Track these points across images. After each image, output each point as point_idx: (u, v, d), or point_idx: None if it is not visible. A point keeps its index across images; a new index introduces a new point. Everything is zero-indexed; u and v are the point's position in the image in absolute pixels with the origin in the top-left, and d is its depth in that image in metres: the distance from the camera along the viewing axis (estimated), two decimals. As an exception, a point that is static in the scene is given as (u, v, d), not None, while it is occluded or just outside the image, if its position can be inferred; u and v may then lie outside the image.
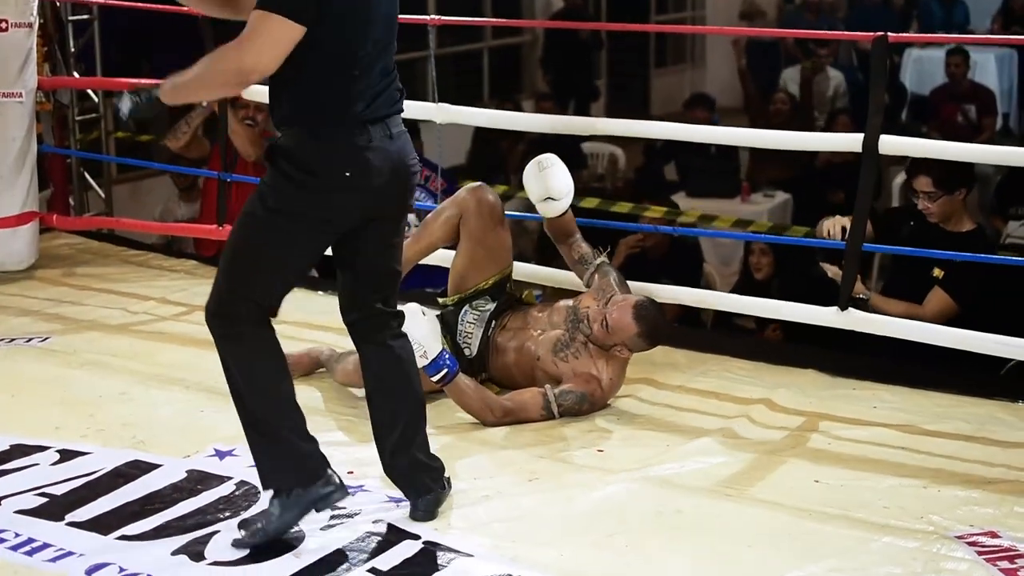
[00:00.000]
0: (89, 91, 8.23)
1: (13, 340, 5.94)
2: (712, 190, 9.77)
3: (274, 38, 3.70)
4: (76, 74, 7.97)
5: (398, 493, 4.30)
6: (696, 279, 7.72)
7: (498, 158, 11.16)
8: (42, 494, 4.39)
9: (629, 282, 5.42)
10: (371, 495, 4.32)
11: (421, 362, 4.58)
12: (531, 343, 5.16)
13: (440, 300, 5.39)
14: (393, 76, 3.97)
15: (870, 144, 5.05)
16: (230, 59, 3.73)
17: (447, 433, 4.85)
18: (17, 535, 4.10)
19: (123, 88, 7.74)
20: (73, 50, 8.00)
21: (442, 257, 5.58)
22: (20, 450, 4.74)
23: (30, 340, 5.94)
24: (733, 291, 7.22)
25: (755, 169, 10.29)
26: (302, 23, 3.70)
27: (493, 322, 5.25)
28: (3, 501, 4.33)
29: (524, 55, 15.66)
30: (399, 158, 3.94)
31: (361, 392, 5.08)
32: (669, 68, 17.14)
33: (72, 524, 4.17)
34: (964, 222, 5.59)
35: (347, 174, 3.84)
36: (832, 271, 5.30)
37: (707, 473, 4.50)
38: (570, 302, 5.24)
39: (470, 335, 5.22)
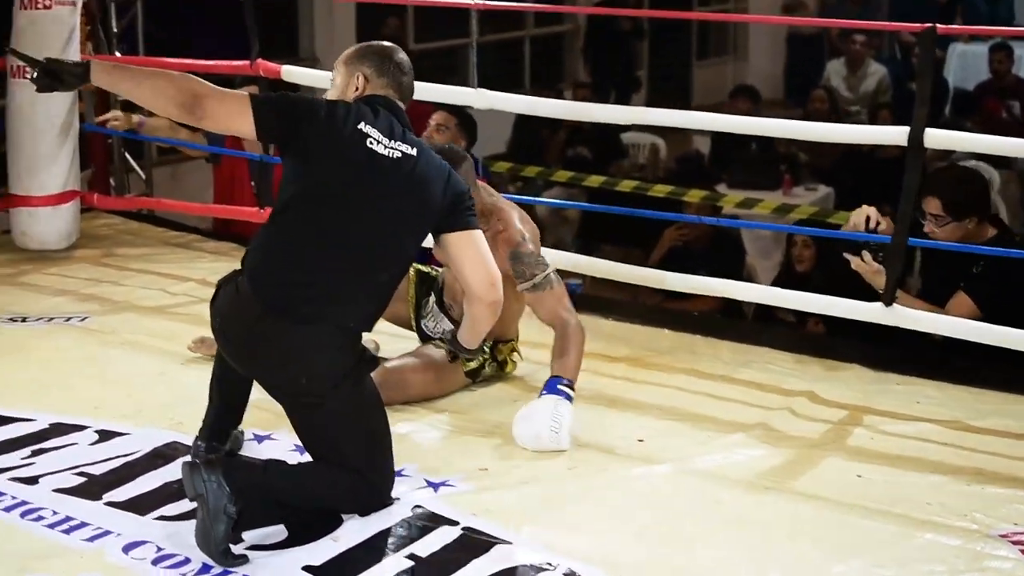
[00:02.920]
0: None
1: (52, 319, 5.95)
2: (753, 182, 9.70)
3: None
4: (118, 53, 7.97)
5: (436, 478, 4.29)
6: (738, 271, 7.67)
7: (538, 146, 11.12)
8: (80, 473, 4.38)
9: (668, 273, 5.45)
10: (410, 480, 4.29)
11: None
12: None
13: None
14: None
15: (915, 137, 4.99)
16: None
17: (487, 422, 4.83)
18: (55, 513, 4.09)
19: (168, 68, 7.80)
20: (116, 30, 8.00)
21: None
22: (59, 429, 4.73)
23: (69, 319, 5.94)
24: (774, 284, 7.17)
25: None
26: None
27: (443, 304, 5.20)
28: (41, 479, 4.32)
29: (566, 44, 15.60)
30: None
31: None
32: (711, 60, 17.04)
33: (110, 504, 4.16)
34: (986, 231, 5.41)
35: None
36: (855, 262, 5.19)
37: (748, 465, 4.46)
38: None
39: (436, 327, 5.16)
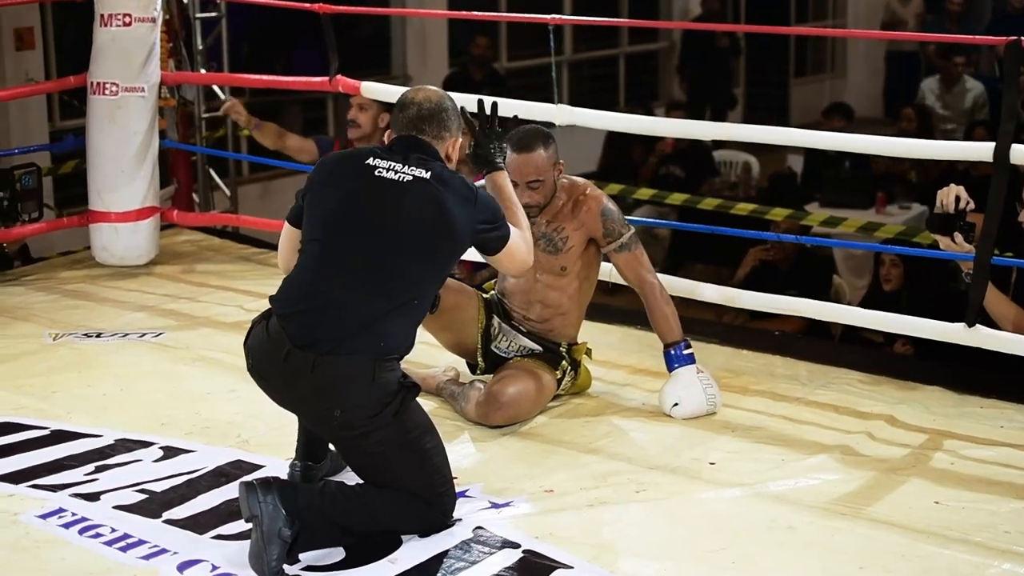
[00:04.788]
0: (215, 88, 8.24)
1: (127, 335, 5.94)
2: (846, 201, 9.54)
3: None
4: (203, 71, 7.98)
5: (501, 499, 4.20)
6: (825, 290, 7.52)
7: (630, 165, 11.02)
8: (142, 490, 4.35)
9: (752, 293, 5.40)
10: (473, 501, 4.21)
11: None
12: (547, 287, 5.08)
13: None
14: None
15: (1001, 153, 4.84)
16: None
17: (555, 441, 4.74)
18: (113, 531, 4.06)
19: (248, 84, 7.73)
20: (201, 47, 8.01)
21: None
22: (124, 445, 4.72)
23: (144, 335, 5.92)
24: (863, 303, 7.02)
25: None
26: None
27: (511, 320, 5.13)
28: (102, 496, 4.30)
29: (661, 62, 15.49)
30: None
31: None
32: (809, 77, 16.84)
33: (169, 522, 4.12)
34: None
35: None
36: (944, 243, 4.99)
37: (822, 490, 4.31)
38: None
39: (511, 345, 5.10)
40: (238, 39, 8.80)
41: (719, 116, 14.01)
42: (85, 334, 5.97)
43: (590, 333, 5.37)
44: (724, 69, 14.55)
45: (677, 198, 7.25)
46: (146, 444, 4.72)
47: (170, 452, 4.65)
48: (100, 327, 6.05)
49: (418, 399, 4.01)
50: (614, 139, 11.21)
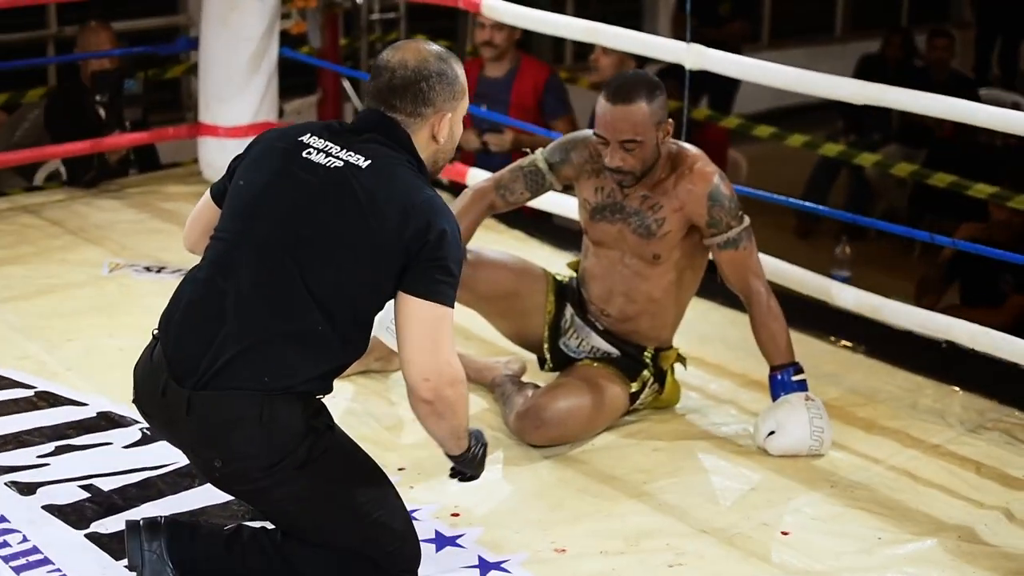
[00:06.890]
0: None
1: (171, 270, 5.19)
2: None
3: None
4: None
5: (494, 556, 3.36)
6: (1051, 279, 6.30)
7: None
8: (87, 487, 3.64)
9: (899, 305, 4.56)
10: (460, 554, 3.37)
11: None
12: (634, 276, 4.10)
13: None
14: None
15: None
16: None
17: (603, 476, 3.81)
18: (24, 540, 3.39)
19: None
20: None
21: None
22: (104, 420, 4.04)
23: (189, 273, 5.16)
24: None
25: None
26: None
27: (586, 313, 4.20)
28: (39, 489, 3.62)
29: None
30: None
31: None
32: None
33: (91, 536, 3.40)
34: None
35: None
36: None
37: (912, 593, 3.27)
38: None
39: (582, 344, 4.20)
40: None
41: (1011, 47, 12.55)
42: (147, 267, 5.27)
43: (708, 322, 4.53)
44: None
45: (867, 159, 6.12)
46: (128, 423, 3.99)
47: (147, 438, 3.90)
48: (167, 259, 5.31)
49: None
50: (866, 64, 10.04)
